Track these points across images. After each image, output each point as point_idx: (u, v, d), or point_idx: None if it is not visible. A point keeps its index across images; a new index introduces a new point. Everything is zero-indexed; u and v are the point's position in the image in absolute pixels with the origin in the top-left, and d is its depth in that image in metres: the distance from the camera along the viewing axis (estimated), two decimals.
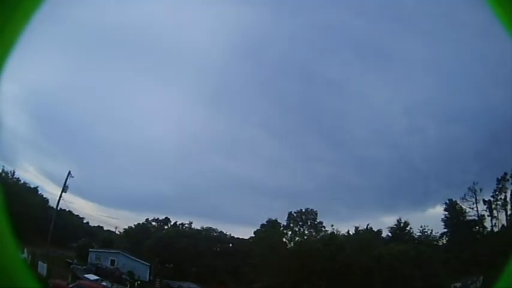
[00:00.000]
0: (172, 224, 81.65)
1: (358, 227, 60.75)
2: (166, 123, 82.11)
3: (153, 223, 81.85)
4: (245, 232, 75.89)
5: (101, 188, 70.18)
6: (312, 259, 45.92)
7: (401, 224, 62.20)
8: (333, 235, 55.64)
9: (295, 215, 68.39)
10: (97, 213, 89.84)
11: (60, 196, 55.95)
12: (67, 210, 72.82)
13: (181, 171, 79.34)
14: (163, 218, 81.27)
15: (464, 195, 55.28)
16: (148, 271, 61.05)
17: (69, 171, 56.46)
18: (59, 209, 66.91)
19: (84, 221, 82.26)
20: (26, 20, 2.47)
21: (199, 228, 79.45)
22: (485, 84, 61.04)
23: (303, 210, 68.72)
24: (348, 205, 63.61)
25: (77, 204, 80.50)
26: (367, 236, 54.27)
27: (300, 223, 67.77)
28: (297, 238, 63.28)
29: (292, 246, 55.36)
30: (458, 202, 56.92)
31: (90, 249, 62.67)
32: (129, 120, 79.05)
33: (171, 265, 64.32)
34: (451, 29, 65.29)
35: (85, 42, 68.83)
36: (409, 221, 58.21)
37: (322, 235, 62.21)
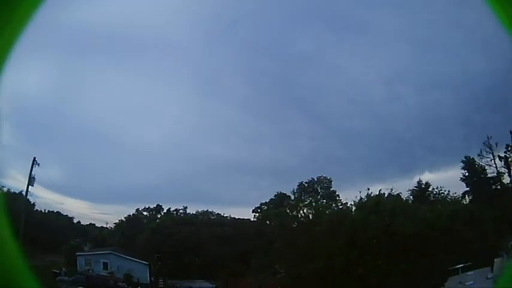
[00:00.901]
0: (165, 211, 74.31)
1: (370, 193, 49.40)
2: (146, 112, 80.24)
3: (145, 213, 74.15)
4: (239, 213, 75.40)
5: (90, 185, 68.38)
6: (362, 233, 37.33)
7: (423, 185, 56.17)
8: (380, 198, 43.58)
9: (306, 185, 61.65)
10: (89, 211, 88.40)
11: (27, 189, 48.53)
12: (55, 211, 73.37)
13: (165, 158, 77.40)
14: (155, 206, 74.03)
15: (481, 151, 50.98)
16: (148, 270, 53.68)
17: (34, 158, 47.30)
18: (45, 211, 68.71)
19: (75, 221, 78.74)
20: (26, 21, 2.44)
21: (194, 212, 73.52)
22: (461, 51, 60.17)
23: (315, 179, 62.30)
24: (336, 177, 60.43)
25: (67, 205, 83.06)
26: (398, 200, 46.57)
27: (311, 193, 61.13)
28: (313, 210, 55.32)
29: (327, 220, 43.54)
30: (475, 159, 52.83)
31: (77, 254, 54.68)
32: (111, 113, 76.21)
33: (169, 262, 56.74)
34: None
35: (69, 42, 66.93)
36: (398, 189, 49.56)
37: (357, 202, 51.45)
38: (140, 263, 53.41)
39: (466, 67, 58.12)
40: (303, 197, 59.31)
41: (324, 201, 58.19)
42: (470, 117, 57.08)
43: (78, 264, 52.68)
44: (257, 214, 67.03)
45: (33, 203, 60.18)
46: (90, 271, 49.54)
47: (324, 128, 76.34)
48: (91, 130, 73.86)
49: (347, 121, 71.39)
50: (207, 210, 74.12)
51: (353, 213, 46.73)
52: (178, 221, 68.23)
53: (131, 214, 70.78)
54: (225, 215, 72.87)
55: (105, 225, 77.23)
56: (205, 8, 71.82)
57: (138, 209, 72.07)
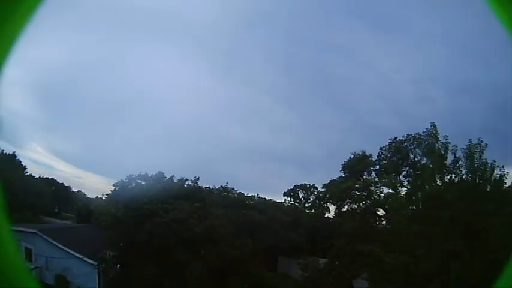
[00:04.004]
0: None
1: None
2: (175, 92, 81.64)
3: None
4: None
5: (111, 162, 68.09)
6: None
7: None
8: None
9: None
10: (104, 186, 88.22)
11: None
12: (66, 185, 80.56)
13: (190, 140, 74.73)
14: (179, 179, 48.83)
15: None
16: (97, 277, 28.15)
17: None
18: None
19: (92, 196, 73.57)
20: (27, 19, 2.35)
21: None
22: (493, 58, 55.34)
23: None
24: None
25: (85, 179, 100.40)
26: None
27: None
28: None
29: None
30: None
31: None
32: (138, 91, 75.38)
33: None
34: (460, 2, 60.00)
35: (91, 15, 66.04)
36: None
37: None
38: (84, 261, 27.92)
39: (496, 75, 55.12)
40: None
41: None
42: (497, 127, 49.08)
43: None
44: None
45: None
46: None
47: (351, 122, 76.51)
48: (118, 106, 73.22)
49: (375, 117, 70.79)
50: (227, 186, 50.67)
51: None
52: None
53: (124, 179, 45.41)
54: (248, 194, 52.45)
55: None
56: None
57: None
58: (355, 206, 38.16)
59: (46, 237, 29.00)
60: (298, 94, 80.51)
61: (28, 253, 29.35)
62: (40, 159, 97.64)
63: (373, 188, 37.74)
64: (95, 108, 73.05)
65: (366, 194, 37.65)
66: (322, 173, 75.89)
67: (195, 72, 77.82)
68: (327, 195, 42.38)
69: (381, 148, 39.19)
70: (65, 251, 28.52)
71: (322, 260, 41.16)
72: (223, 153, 75.40)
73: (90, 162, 73.10)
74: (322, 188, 45.05)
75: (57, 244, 28.74)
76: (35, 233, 29.22)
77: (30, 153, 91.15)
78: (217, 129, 77.09)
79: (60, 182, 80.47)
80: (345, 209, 38.97)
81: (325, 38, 78.60)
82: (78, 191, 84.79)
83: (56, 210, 79.29)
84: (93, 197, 66.79)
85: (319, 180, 74.04)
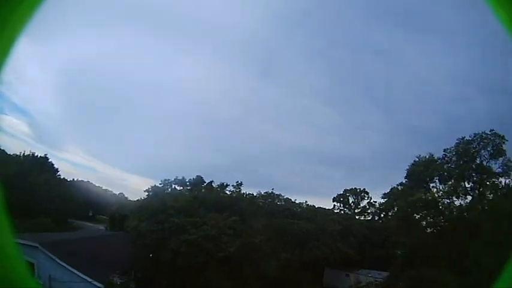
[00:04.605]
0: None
1: None
2: (219, 94, 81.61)
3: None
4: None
5: (152, 163, 67.42)
6: None
7: None
8: None
9: None
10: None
11: None
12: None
13: (233, 141, 76.94)
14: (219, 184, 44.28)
15: None
16: None
17: None
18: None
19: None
20: (27, 19, 2.36)
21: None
22: None
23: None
24: (403, 174, 47.63)
25: (129, 181, 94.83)
26: None
27: None
28: None
29: None
30: None
31: None
32: (180, 92, 78.67)
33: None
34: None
35: (128, 16, 70.17)
36: None
37: None
38: (89, 282, 22.24)
39: None
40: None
41: None
42: None
43: None
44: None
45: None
46: None
47: (392, 122, 77.15)
48: (158, 107, 72.63)
49: (414, 118, 71.69)
50: (272, 192, 46.32)
51: None
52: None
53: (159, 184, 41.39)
54: (296, 201, 49.21)
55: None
56: None
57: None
58: (424, 223, 36.25)
59: (47, 253, 23.71)
60: (339, 94, 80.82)
61: (31, 266, 24.23)
62: (81, 162, 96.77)
63: (443, 199, 34.75)
64: (136, 110, 74.33)
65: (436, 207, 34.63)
66: (369, 174, 71.96)
67: (237, 74, 79.34)
68: (393, 209, 38.89)
69: (445, 150, 35.97)
70: (69, 270, 23.07)
71: (372, 272, 39.90)
72: (267, 156, 74.54)
73: (132, 163, 70.84)
74: (383, 197, 40.83)
75: (60, 262, 23.37)
76: (36, 247, 24.00)
77: (70, 156, 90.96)
78: (260, 131, 77.02)
79: (98, 185, 77.47)
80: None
81: (362, 38, 79.37)
82: (119, 194, 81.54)
83: (90, 213, 76.32)
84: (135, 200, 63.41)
85: (366, 182, 70.81)
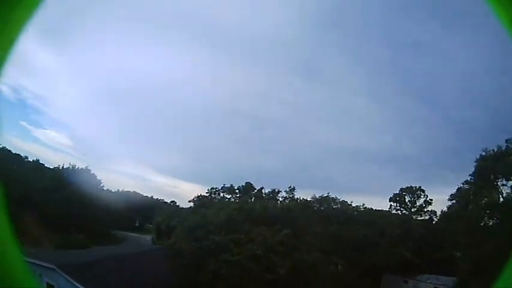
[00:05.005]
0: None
1: None
2: (265, 97, 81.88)
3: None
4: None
5: (204, 168, 67.93)
6: None
7: None
8: None
9: None
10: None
11: None
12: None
13: (285, 144, 76.41)
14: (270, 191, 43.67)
15: None
16: None
17: None
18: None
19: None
20: (26, 19, 2.36)
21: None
22: None
23: None
24: (453, 169, 52.21)
25: (181, 188, 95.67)
26: None
27: None
28: None
29: None
30: None
31: None
32: (228, 96, 79.69)
33: None
34: None
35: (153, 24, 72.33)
36: None
37: None
38: None
39: None
40: None
41: None
42: None
43: None
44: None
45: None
46: None
47: (438, 117, 77.65)
48: (209, 112, 75.42)
49: (460, 110, 71.53)
50: (328, 195, 45.06)
51: None
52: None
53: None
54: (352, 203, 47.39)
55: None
56: None
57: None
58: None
59: (65, 276, 20.48)
60: (382, 91, 79.10)
61: None
62: (126, 171, 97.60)
63: None
64: (183, 115, 75.75)
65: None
66: (420, 171, 73.47)
67: (280, 76, 79.28)
68: (464, 212, 34.91)
69: (507, 141, 33.49)
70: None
71: (431, 278, 38.78)
72: (319, 157, 74.25)
73: (184, 169, 74.56)
74: (450, 199, 38.31)
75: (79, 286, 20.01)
76: (54, 269, 20.87)
77: (114, 166, 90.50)
78: (309, 133, 76.45)
79: (146, 194, 76.66)
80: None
81: (399, 34, 77.95)
82: (171, 202, 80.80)
83: (137, 223, 74.76)
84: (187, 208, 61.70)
85: (418, 179, 72.92)
